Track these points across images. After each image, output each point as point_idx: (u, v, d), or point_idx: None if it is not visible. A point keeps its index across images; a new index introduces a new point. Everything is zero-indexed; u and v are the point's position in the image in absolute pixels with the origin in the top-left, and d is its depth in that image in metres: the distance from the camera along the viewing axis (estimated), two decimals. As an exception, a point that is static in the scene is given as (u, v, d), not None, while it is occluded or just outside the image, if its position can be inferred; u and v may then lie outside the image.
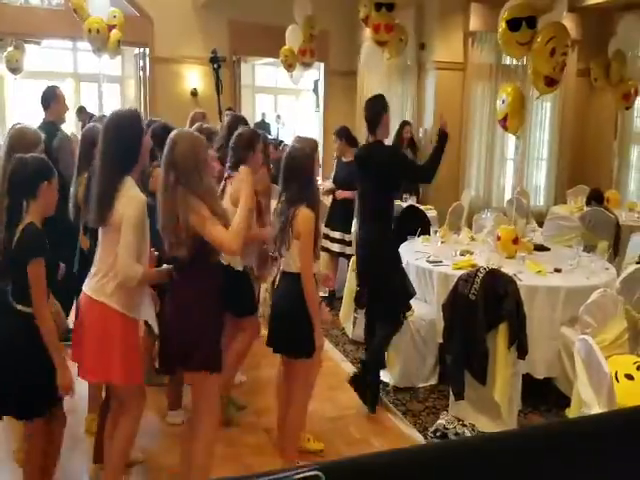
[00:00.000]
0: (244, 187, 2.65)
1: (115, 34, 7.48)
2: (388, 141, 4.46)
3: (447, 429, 3.51)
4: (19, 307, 2.44)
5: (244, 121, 4.06)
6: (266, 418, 3.60)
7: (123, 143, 2.51)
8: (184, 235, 2.46)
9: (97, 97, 9.49)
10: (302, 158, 2.92)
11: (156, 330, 2.64)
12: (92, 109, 9.57)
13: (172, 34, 8.79)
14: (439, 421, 3.58)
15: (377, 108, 3.90)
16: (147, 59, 9.10)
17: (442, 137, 3.86)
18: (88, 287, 2.55)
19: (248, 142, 3.39)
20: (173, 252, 2.51)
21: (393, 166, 3.82)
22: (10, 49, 10.11)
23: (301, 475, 1.14)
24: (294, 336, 2.91)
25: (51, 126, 4.54)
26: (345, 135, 5.81)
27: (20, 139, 2.97)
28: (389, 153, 4.00)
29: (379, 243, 3.87)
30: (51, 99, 4.82)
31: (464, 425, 3.53)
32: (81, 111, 9.24)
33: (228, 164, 3.47)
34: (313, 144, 3.13)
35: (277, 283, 3.11)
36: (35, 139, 3.04)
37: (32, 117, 5.07)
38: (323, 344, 3.02)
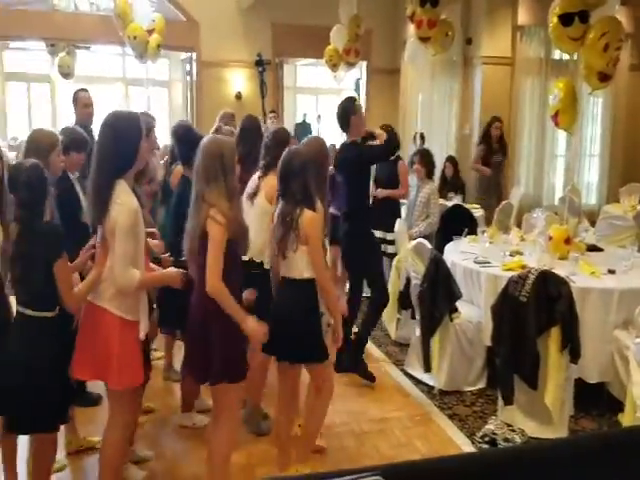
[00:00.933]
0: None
1: (154, 39, 7.60)
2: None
3: (496, 434, 3.43)
4: (27, 311, 2.41)
5: (256, 121, 4.06)
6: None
7: (118, 146, 2.43)
8: (199, 244, 2.47)
9: (145, 101, 9.73)
10: (301, 158, 2.80)
11: (143, 334, 2.55)
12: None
13: (218, 38, 8.90)
14: (487, 426, 3.50)
15: (345, 111, 4.15)
16: (194, 63, 9.24)
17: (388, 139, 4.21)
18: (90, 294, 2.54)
19: (283, 141, 3.35)
20: (191, 260, 2.56)
21: (361, 162, 4.16)
22: (62, 54, 10.44)
23: (364, 480, 1.11)
24: (312, 343, 2.80)
25: (82, 129, 4.50)
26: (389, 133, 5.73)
27: (36, 143, 2.92)
28: (357, 152, 4.19)
29: (359, 236, 4.15)
30: (73, 103, 4.82)
31: (513, 430, 3.44)
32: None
33: (262, 162, 3.41)
34: (317, 145, 3.12)
35: (277, 289, 2.95)
36: (49, 142, 2.96)
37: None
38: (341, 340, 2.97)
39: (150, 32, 7.63)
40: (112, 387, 2.53)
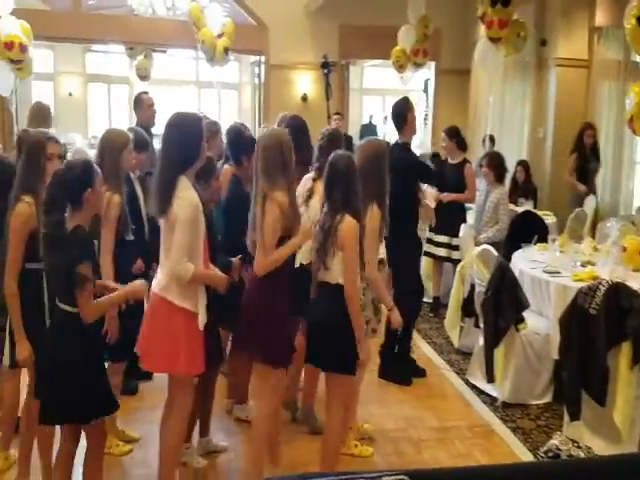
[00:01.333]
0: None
1: (222, 42, 7.77)
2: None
3: (560, 450, 3.31)
4: (65, 307, 2.39)
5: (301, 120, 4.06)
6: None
7: (181, 144, 2.55)
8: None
9: (216, 103, 10.03)
10: (345, 162, 2.77)
11: (201, 325, 2.62)
12: (212, 115, 10.04)
13: (286, 41, 9.03)
14: (551, 441, 3.38)
15: (401, 109, 4.13)
16: (262, 66, 9.41)
17: None
18: (155, 282, 2.65)
19: (336, 141, 3.37)
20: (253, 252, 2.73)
21: (408, 169, 4.12)
22: (140, 58, 10.87)
23: (388, 479, 1.12)
24: (338, 351, 2.74)
25: (144, 130, 4.47)
26: (456, 135, 5.63)
27: (110, 142, 3.05)
28: (407, 160, 4.20)
29: (401, 241, 4.01)
30: (137, 105, 4.93)
31: (579, 447, 3.31)
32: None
33: (316, 164, 3.42)
34: (374, 146, 3.13)
35: (314, 293, 2.92)
36: (122, 141, 3.08)
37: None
38: (369, 359, 2.85)
39: (220, 36, 7.82)
40: (178, 374, 2.64)
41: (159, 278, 2.63)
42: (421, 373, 4.36)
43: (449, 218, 5.35)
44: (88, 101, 14.92)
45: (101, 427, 2.55)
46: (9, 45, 7.00)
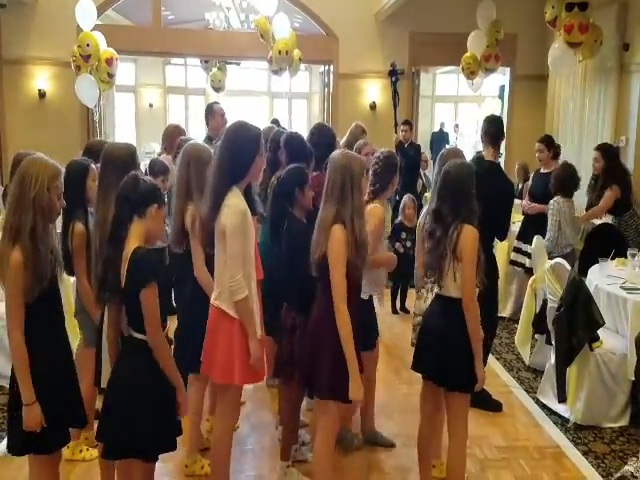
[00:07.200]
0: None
1: (295, 53, 7.88)
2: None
3: (635, 477, 3.11)
4: (138, 336, 2.31)
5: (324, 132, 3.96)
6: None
7: (234, 156, 2.54)
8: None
9: (287, 112, 10.20)
10: (468, 174, 2.69)
11: (258, 334, 2.62)
12: (283, 122, 10.18)
13: (355, 50, 9.06)
14: (626, 467, 3.18)
15: (500, 130, 3.96)
16: (331, 75, 9.49)
17: None
18: (213, 295, 2.67)
19: (394, 166, 3.24)
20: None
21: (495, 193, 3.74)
22: (214, 70, 11.20)
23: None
24: (459, 368, 2.66)
25: (208, 141, 4.56)
26: (553, 144, 5.52)
27: (197, 157, 3.01)
28: (495, 181, 3.85)
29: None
30: (208, 114, 4.97)
31: (657, 476, 3.11)
32: (274, 123, 9.84)
33: (371, 188, 3.20)
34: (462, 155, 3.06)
35: (430, 306, 2.85)
36: (208, 156, 3.03)
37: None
38: (484, 377, 2.74)
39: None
40: (235, 383, 2.65)
41: (215, 289, 2.65)
42: (497, 407, 4.02)
43: (535, 229, 5.07)
44: (168, 111, 15.55)
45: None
46: (109, 61, 7.44)
